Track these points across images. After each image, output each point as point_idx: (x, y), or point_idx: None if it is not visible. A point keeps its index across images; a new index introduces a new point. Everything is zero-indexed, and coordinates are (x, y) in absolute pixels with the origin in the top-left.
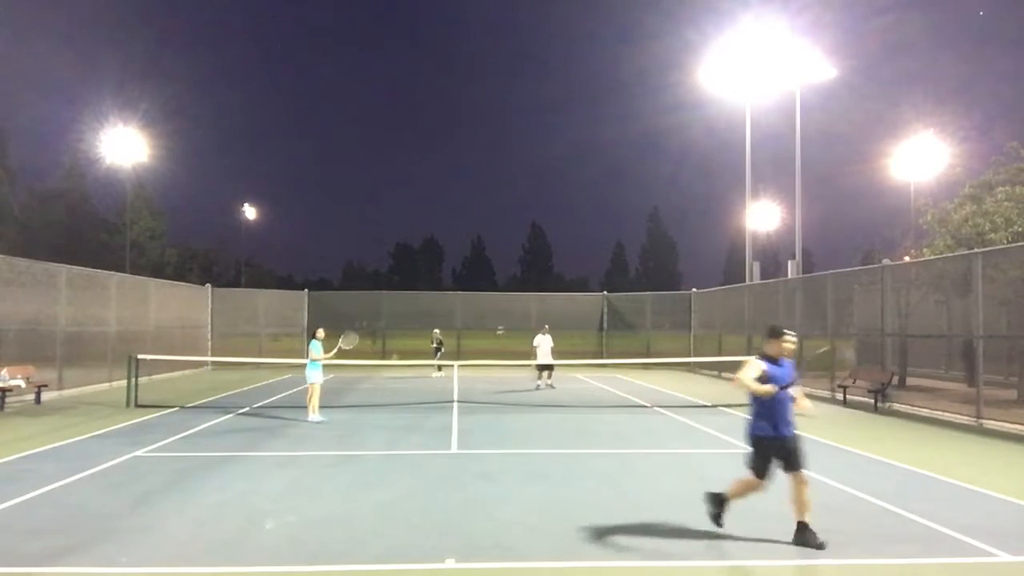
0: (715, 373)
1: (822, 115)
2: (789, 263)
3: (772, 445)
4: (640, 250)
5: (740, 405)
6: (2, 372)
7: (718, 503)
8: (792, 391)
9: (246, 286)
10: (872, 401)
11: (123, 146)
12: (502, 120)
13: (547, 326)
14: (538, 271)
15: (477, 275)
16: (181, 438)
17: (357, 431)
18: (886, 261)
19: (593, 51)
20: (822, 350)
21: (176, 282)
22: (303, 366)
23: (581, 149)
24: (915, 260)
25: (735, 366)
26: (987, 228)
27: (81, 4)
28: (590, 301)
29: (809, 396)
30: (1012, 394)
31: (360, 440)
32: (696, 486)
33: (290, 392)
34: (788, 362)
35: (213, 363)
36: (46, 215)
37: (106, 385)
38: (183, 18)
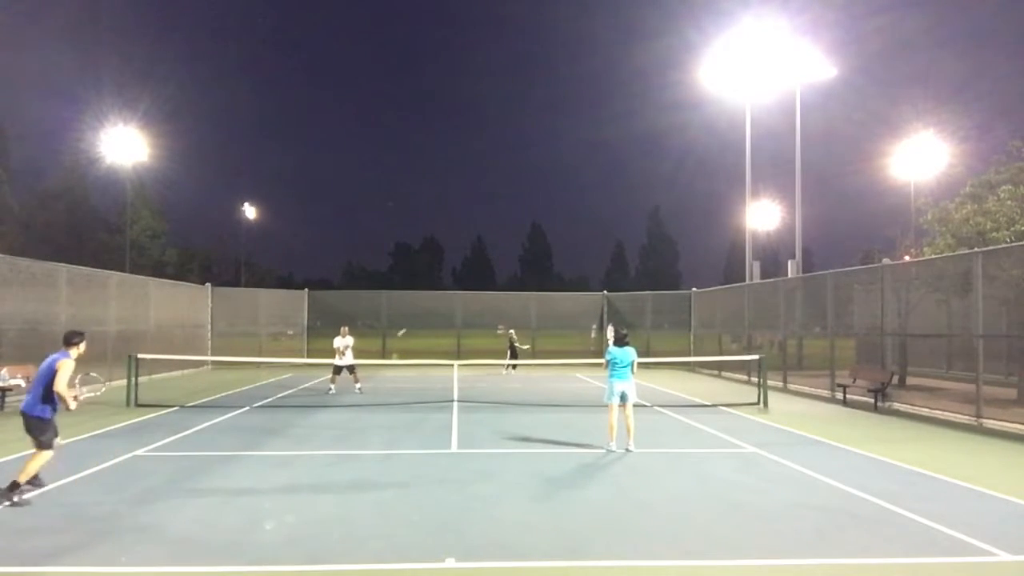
0: (715, 372)
1: (822, 115)
2: (789, 263)
3: None
4: (640, 250)
5: (740, 404)
6: (2, 372)
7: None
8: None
9: (246, 286)
10: (872, 400)
11: (123, 146)
12: (503, 120)
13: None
14: (538, 271)
15: (477, 275)
16: (181, 438)
17: (357, 431)
18: (886, 260)
19: (594, 51)
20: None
21: (176, 282)
22: (303, 366)
23: (581, 149)
24: (915, 260)
25: (735, 365)
26: (989, 227)
27: (81, 4)
28: (590, 301)
29: (810, 395)
30: (1012, 393)
31: (360, 440)
32: (696, 485)
33: (290, 392)
34: None
35: (213, 363)
36: (46, 215)
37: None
38: (183, 17)
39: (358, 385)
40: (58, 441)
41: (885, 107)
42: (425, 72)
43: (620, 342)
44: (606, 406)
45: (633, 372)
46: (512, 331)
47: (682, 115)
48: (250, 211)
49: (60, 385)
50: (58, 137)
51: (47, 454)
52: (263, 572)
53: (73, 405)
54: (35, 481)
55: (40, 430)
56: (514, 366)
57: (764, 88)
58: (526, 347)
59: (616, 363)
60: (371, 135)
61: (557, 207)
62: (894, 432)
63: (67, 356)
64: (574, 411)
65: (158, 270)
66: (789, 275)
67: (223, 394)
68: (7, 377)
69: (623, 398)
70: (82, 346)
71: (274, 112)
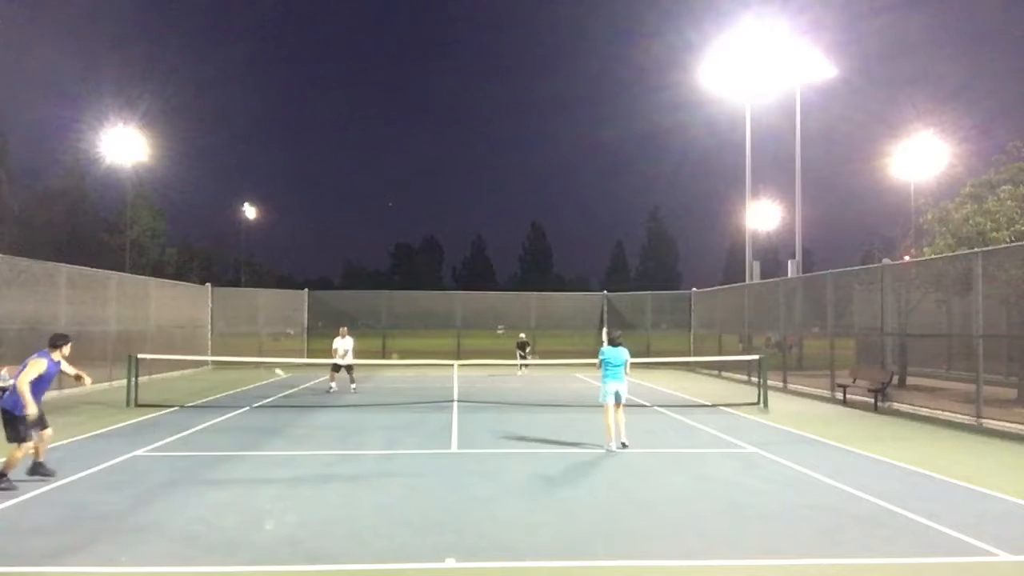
0: (715, 372)
1: (822, 115)
2: (789, 263)
3: None
4: (640, 250)
5: (740, 404)
6: (2, 372)
7: None
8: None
9: (246, 286)
10: (872, 400)
11: (123, 146)
12: (503, 120)
13: None
14: (538, 271)
15: (477, 275)
16: (181, 438)
17: (357, 431)
18: (886, 260)
19: (593, 50)
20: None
21: (176, 282)
22: (303, 365)
23: (581, 149)
24: (915, 260)
25: (735, 365)
26: (989, 227)
27: (81, 4)
28: (590, 301)
29: (810, 395)
30: (1012, 393)
31: (360, 440)
32: (696, 485)
33: (290, 391)
34: None
35: (213, 363)
36: (46, 215)
37: (106, 385)
38: (183, 17)
39: (353, 385)
40: (48, 432)
41: (885, 107)
42: (425, 72)
43: (613, 343)
44: (602, 406)
45: (626, 372)
46: (522, 334)
47: (682, 115)
48: (250, 211)
49: (21, 380)
50: (58, 137)
51: (26, 446)
52: (263, 572)
53: (32, 410)
54: (45, 470)
55: (11, 425)
56: (521, 366)
57: (764, 88)
58: (534, 358)
59: (609, 363)
60: (371, 135)
61: (557, 207)
62: (894, 432)
63: (44, 356)
64: (574, 411)
65: (158, 270)
66: (789, 275)
67: (223, 394)
68: (7, 377)
69: (617, 398)
70: (66, 349)
71: (274, 112)
